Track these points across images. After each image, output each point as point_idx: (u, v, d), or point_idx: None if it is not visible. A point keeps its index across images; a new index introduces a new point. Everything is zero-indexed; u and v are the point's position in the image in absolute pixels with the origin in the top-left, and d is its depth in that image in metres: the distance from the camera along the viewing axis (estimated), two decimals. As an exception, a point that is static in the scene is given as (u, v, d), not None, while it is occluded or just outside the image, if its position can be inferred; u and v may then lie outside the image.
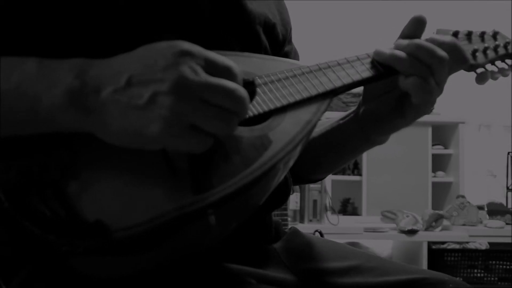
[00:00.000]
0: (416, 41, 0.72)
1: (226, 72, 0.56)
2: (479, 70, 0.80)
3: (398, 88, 0.73)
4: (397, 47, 0.72)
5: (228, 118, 0.55)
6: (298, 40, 0.95)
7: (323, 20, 3.47)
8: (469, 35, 0.81)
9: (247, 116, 0.63)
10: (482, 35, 0.82)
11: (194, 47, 0.56)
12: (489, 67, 0.81)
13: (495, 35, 0.83)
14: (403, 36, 0.75)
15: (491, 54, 0.81)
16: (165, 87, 0.53)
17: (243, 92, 0.56)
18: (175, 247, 0.59)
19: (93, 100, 0.54)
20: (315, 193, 2.86)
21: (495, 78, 0.81)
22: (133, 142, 0.55)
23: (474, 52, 0.79)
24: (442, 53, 0.71)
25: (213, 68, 0.55)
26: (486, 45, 0.81)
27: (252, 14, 0.79)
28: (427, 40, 0.74)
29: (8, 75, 0.57)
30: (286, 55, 0.88)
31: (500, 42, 0.82)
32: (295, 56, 0.92)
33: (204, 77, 0.54)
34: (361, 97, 0.81)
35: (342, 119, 0.83)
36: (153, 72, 0.54)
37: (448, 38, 0.74)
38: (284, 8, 0.91)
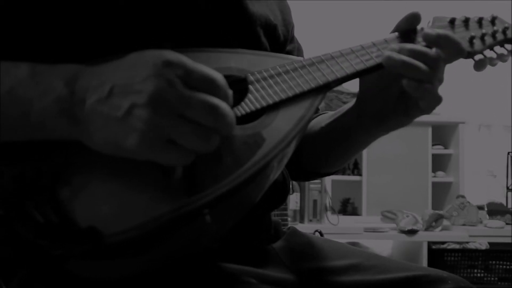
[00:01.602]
0: (408, 46, 0.71)
1: (209, 85, 0.54)
2: (477, 57, 0.78)
3: (396, 85, 0.73)
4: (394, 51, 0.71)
5: (206, 135, 0.53)
6: (300, 36, 0.95)
7: (325, 15, 3.47)
8: (466, 21, 0.79)
9: (240, 114, 0.63)
10: (480, 21, 0.79)
11: (178, 58, 0.53)
12: (488, 53, 0.78)
13: (493, 20, 0.80)
14: (397, 31, 0.75)
15: (489, 40, 0.78)
16: (142, 99, 0.51)
17: (223, 108, 0.53)
18: (172, 249, 0.59)
19: (79, 110, 0.54)
20: (315, 193, 2.86)
21: (493, 64, 0.78)
22: (116, 152, 0.54)
23: (471, 39, 0.77)
24: (434, 54, 0.70)
25: (194, 80, 0.53)
26: (484, 31, 0.78)
27: (254, 16, 0.79)
28: (424, 34, 0.73)
29: (0, 80, 0.56)
30: (289, 54, 0.87)
31: (499, 27, 0.79)
32: (299, 53, 0.91)
33: (181, 90, 0.52)
34: (357, 96, 0.80)
35: (342, 115, 0.82)
36: (133, 83, 0.52)
37: (441, 31, 0.73)
38: (286, 7, 0.90)
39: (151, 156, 0.53)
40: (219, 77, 0.55)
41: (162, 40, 0.68)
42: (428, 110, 0.73)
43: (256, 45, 0.78)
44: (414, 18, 0.75)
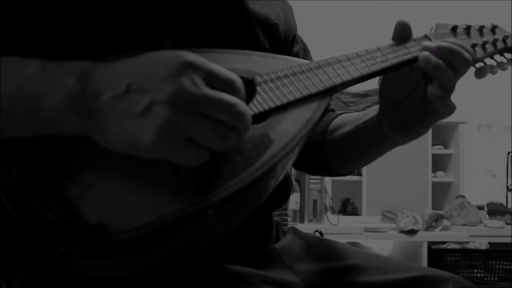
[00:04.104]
0: (445, 44, 0.72)
1: (228, 86, 0.55)
2: (478, 64, 0.80)
3: (417, 94, 0.74)
4: (426, 49, 0.72)
5: (225, 133, 0.54)
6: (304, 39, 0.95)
7: (328, 18, 3.48)
8: (467, 29, 0.81)
9: None
10: (481, 29, 0.81)
11: (197, 58, 0.54)
12: (488, 61, 0.81)
13: (493, 29, 0.82)
14: (395, 39, 0.76)
15: (490, 48, 0.80)
16: (162, 97, 0.52)
17: (243, 107, 0.54)
18: (176, 247, 0.59)
19: (92, 105, 0.54)
20: (315, 193, 2.86)
21: (494, 73, 0.80)
22: (128, 150, 0.54)
23: (473, 46, 0.78)
24: (467, 55, 0.72)
25: (215, 81, 0.54)
26: (485, 39, 0.80)
27: (253, 15, 0.79)
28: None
29: (9, 77, 0.56)
30: (296, 55, 0.88)
31: (499, 36, 0.81)
32: (305, 53, 0.92)
33: (204, 90, 0.53)
34: (378, 105, 0.80)
35: (365, 122, 0.82)
36: (153, 81, 0.53)
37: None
38: (289, 10, 0.91)
39: (166, 154, 0.54)
40: (237, 79, 0.56)
41: (160, 38, 0.68)
42: (444, 116, 0.75)
43: (254, 44, 0.78)
44: (403, 27, 0.76)
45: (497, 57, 0.81)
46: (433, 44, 0.72)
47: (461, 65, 0.72)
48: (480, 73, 0.79)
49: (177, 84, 0.52)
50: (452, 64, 0.71)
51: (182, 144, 0.53)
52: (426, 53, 0.72)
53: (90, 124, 0.54)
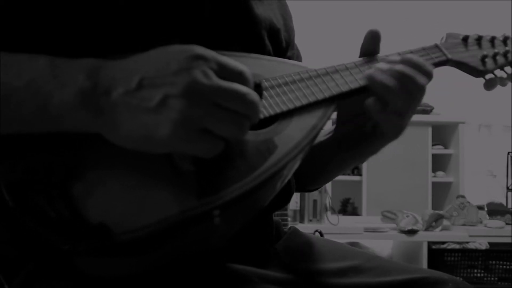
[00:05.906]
0: (398, 68, 0.70)
1: (238, 76, 0.55)
2: (488, 76, 0.79)
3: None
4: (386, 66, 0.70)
5: (239, 122, 0.55)
6: (301, 42, 0.94)
7: (327, 22, 3.48)
8: (479, 40, 0.80)
9: None
10: (492, 40, 0.81)
11: (207, 51, 0.55)
12: (498, 72, 0.80)
13: (505, 40, 0.82)
14: (364, 52, 0.74)
15: (500, 60, 0.80)
16: (176, 90, 0.52)
17: (254, 96, 0.55)
18: (179, 249, 0.60)
19: (104, 101, 0.54)
20: (315, 193, 2.87)
21: (504, 84, 0.80)
22: (142, 145, 0.54)
23: (483, 58, 0.78)
24: (421, 81, 0.69)
25: (225, 72, 0.55)
26: (496, 50, 0.80)
27: (258, 18, 0.78)
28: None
29: (18, 72, 0.56)
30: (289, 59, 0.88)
31: (510, 47, 0.81)
32: (298, 60, 0.92)
33: (216, 81, 0.53)
34: (335, 119, 0.81)
35: (324, 136, 0.83)
36: (165, 75, 0.53)
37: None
38: (288, 13, 0.90)
39: (181, 146, 0.54)
40: (246, 69, 0.56)
41: (160, 37, 0.68)
42: (392, 136, 0.74)
43: (259, 48, 0.77)
44: (374, 36, 0.74)
45: (507, 68, 0.81)
46: (385, 66, 0.70)
47: (414, 90, 0.69)
48: (489, 85, 0.80)
49: (189, 77, 0.53)
50: (405, 87, 0.69)
51: (197, 136, 0.53)
52: (371, 71, 0.70)
53: (101, 121, 0.54)
